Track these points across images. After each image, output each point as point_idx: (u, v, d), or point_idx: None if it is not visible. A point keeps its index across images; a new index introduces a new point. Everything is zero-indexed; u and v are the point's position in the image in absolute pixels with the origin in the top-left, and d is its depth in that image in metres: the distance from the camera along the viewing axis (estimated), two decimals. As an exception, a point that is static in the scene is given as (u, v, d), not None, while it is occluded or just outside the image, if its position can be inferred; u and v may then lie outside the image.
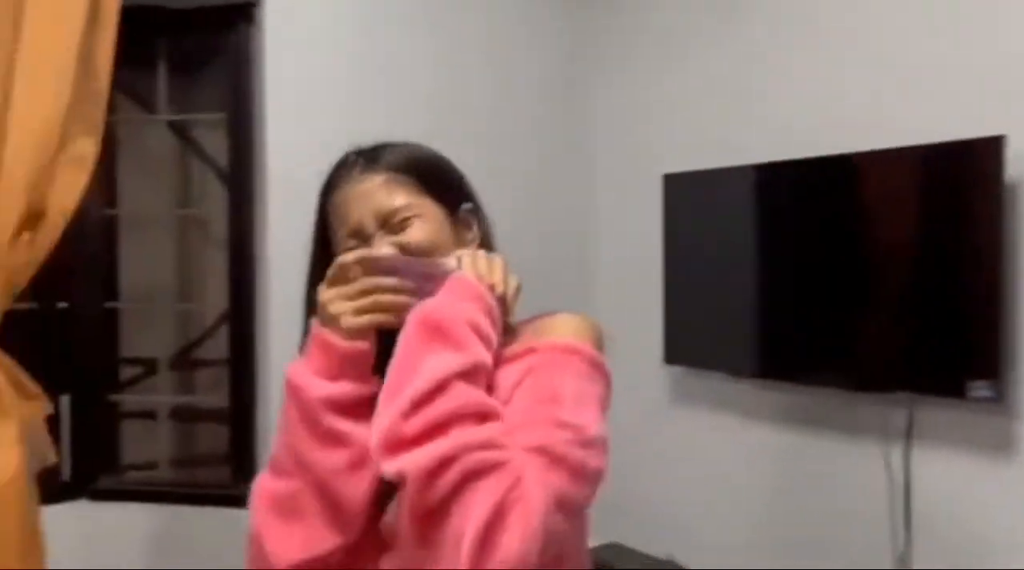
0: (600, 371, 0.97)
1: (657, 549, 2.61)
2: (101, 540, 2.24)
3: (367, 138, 2.62)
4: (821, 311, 2.17)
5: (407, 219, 1.02)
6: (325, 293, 0.98)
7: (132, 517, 2.28)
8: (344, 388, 0.97)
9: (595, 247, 2.86)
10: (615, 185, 2.81)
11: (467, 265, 0.98)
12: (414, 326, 0.91)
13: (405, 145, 1.10)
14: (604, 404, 0.96)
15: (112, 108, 2.26)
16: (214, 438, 2.54)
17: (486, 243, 1.09)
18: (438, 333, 0.90)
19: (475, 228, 1.09)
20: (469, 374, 0.88)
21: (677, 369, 2.61)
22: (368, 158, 1.07)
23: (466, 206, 1.09)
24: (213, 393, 2.59)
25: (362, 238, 1.03)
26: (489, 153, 2.61)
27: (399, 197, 1.03)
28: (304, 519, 0.97)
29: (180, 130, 2.70)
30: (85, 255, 2.33)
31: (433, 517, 0.81)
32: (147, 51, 2.36)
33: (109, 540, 2.25)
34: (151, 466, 2.49)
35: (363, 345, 0.97)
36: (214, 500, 2.26)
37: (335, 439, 0.96)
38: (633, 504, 2.73)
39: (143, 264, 2.58)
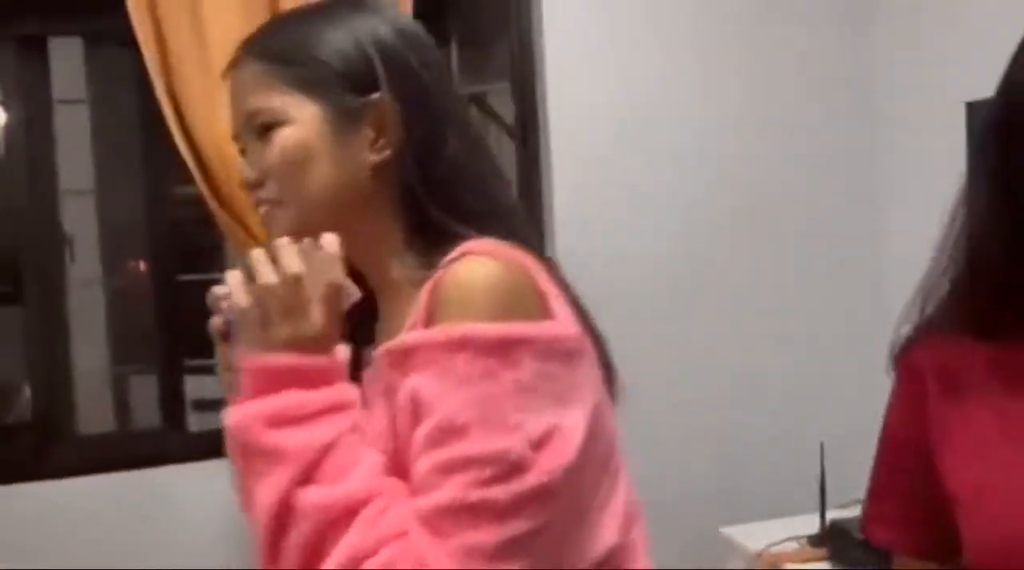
0: (513, 348, 0.71)
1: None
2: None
3: (639, 96, 2.66)
4: None
5: (268, 127, 0.81)
6: None
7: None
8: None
9: (887, 183, 2.67)
10: (909, 115, 2.60)
11: (246, 324, 0.75)
12: (229, 443, 0.74)
13: (284, 20, 0.87)
14: (532, 386, 0.71)
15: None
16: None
17: (416, 147, 0.82)
18: (248, 453, 0.73)
19: (392, 127, 0.81)
20: (307, 472, 0.71)
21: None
22: (247, 42, 0.85)
23: (372, 97, 0.81)
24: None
25: (240, 145, 0.86)
26: (765, 82, 2.53)
27: (258, 96, 0.82)
28: None
29: (477, 101, 2.92)
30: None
31: None
32: (441, 31, 2.58)
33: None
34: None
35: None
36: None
37: None
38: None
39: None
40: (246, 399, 0.74)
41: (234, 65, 0.85)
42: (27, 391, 2.57)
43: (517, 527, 0.69)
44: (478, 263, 0.74)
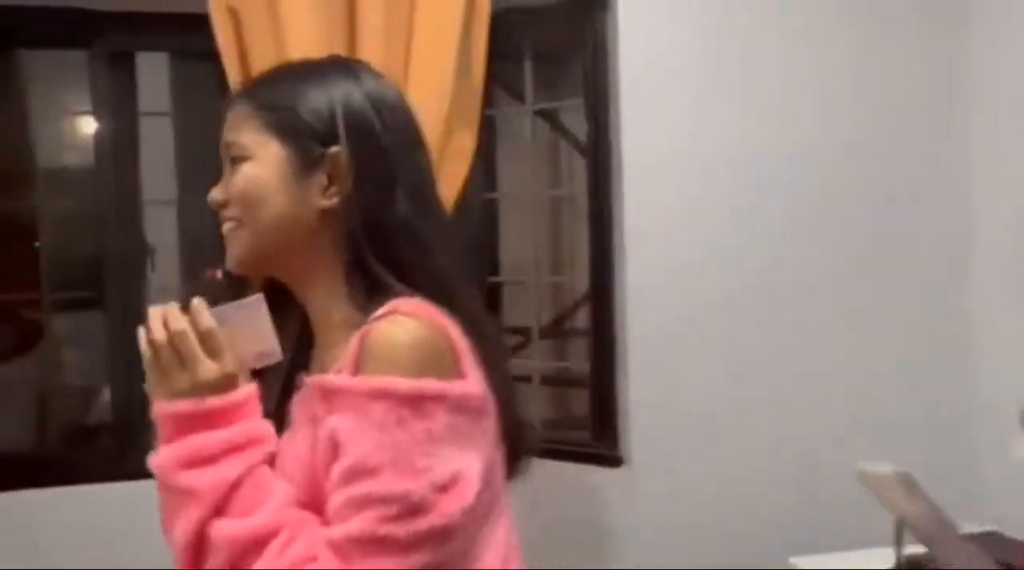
0: (426, 402, 0.80)
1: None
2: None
3: (714, 114, 2.63)
4: None
5: (238, 160, 0.93)
6: None
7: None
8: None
9: (976, 214, 2.57)
10: (1001, 143, 2.51)
11: (149, 375, 0.86)
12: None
13: (279, 71, 0.98)
14: (441, 436, 0.80)
15: (490, 102, 2.53)
16: (582, 403, 2.74)
17: (362, 199, 0.90)
18: (167, 490, 0.85)
19: (343, 177, 0.90)
20: (218, 507, 0.81)
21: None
22: (247, 82, 1.01)
23: (331, 150, 0.91)
24: (585, 360, 2.79)
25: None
26: (852, 107, 2.47)
27: (237, 131, 0.93)
28: None
29: (549, 116, 2.92)
30: (470, 235, 2.63)
31: None
32: (516, 47, 2.58)
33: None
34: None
35: None
36: (574, 457, 2.45)
37: None
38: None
39: (521, 241, 2.84)
40: (161, 443, 0.85)
41: (236, 96, 0.97)
42: (107, 393, 2.65)
43: (417, 561, 0.78)
44: (401, 323, 0.84)
